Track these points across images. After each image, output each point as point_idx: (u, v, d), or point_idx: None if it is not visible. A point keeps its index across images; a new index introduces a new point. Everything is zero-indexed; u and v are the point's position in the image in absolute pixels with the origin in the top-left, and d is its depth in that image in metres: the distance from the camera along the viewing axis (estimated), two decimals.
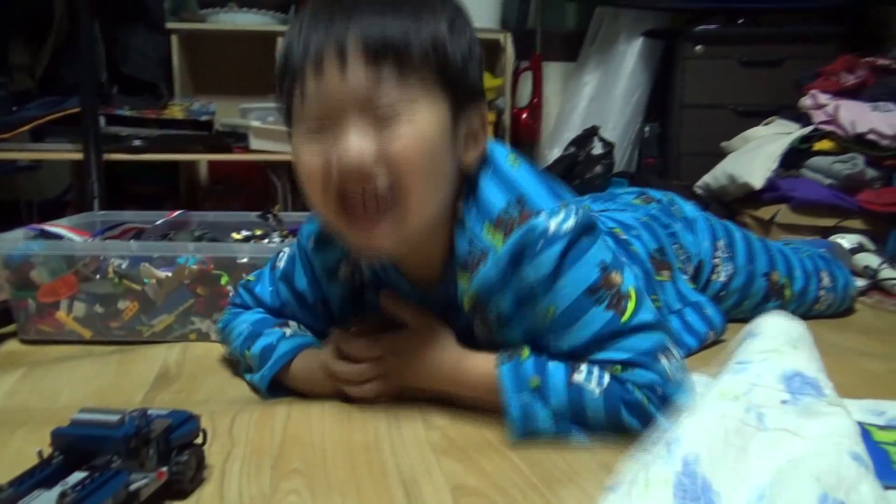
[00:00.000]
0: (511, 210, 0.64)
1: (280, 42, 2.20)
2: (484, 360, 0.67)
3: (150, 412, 0.53)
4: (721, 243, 1.01)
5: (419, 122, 0.60)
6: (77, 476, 0.48)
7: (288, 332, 0.77)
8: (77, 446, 0.50)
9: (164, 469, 0.51)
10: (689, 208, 1.04)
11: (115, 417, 0.50)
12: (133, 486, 0.48)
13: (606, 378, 0.63)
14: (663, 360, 0.63)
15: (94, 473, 0.48)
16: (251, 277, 0.85)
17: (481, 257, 0.65)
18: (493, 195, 0.65)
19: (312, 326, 0.80)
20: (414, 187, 0.61)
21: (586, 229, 0.64)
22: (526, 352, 0.66)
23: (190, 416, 0.55)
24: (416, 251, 0.68)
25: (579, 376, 0.63)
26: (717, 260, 1.00)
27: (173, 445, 0.53)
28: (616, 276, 0.65)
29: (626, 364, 0.63)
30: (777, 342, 0.60)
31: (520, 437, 0.63)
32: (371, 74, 0.58)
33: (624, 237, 0.88)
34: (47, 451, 0.51)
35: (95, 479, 0.47)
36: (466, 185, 0.66)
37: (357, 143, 0.59)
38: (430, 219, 0.65)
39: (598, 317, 0.63)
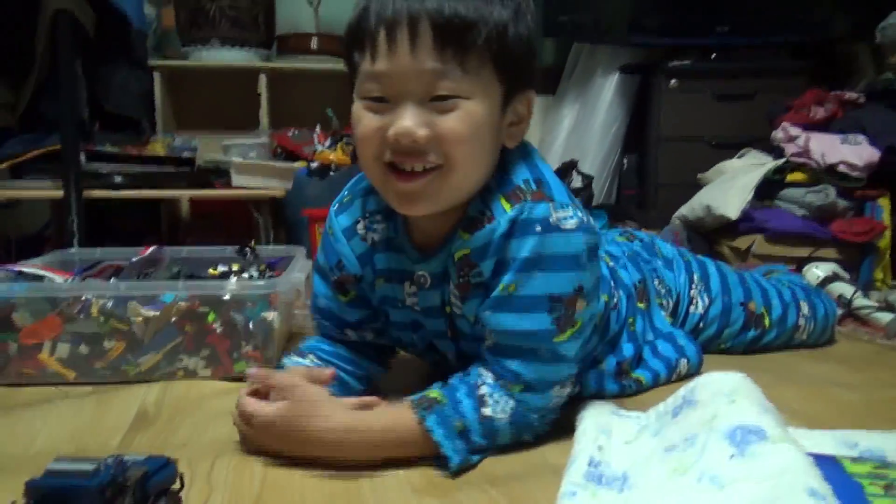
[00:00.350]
0: (528, 186, 0.68)
1: (263, 78, 2.23)
2: (391, 414, 0.67)
3: (125, 459, 0.52)
4: (695, 276, 1.05)
5: (473, 107, 0.64)
6: None
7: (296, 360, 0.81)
8: (51, 498, 0.49)
9: None
10: (668, 248, 1.08)
11: (89, 466, 0.49)
12: None
13: (510, 404, 0.68)
14: (555, 390, 0.70)
15: None
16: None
17: (489, 218, 0.68)
18: (518, 171, 0.70)
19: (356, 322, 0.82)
20: (460, 165, 0.65)
21: (591, 252, 0.69)
22: (436, 393, 0.68)
23: (167, 461, 0.55)
24: (437, 216, 0.71)
25: (488, 410, 0.67)
26: (693, 292, 1.04)
27: (150, 493, 0.52)
28: (581, 303, 0.68)
29: (526, 386, 0.68)
30: (714, 407, 0.64)
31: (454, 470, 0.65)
32: (438, 57, 0.62)
33: (611, 265, 0.91)
34: (21, 502, 0.50)
35: None
36: (502, 163, 0.71)
37: (414, 125, 0.63)
38: (470, 190, 0.69)
39: (541, 320, 0.67)
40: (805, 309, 1.10)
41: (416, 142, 0.63)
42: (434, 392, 0.68)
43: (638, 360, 0.90)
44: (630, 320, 0.90)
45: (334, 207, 0.81)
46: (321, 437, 0.65)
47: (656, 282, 0.99)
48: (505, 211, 0.67)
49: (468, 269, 0.70)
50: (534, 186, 0.68)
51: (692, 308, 1.03)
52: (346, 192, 0.81)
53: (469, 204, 0.71)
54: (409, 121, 0.62)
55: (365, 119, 0.66)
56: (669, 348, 0.93)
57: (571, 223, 0.67)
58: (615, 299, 0.87)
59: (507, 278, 0.67)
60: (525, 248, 0.66)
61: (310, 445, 0.65)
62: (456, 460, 0.65)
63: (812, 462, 0.55)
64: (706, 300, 1.04)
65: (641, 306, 0.93)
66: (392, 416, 0.67)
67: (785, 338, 1.09)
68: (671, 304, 1.01)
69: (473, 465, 0.67)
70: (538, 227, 0.66)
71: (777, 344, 1.09)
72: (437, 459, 0.66)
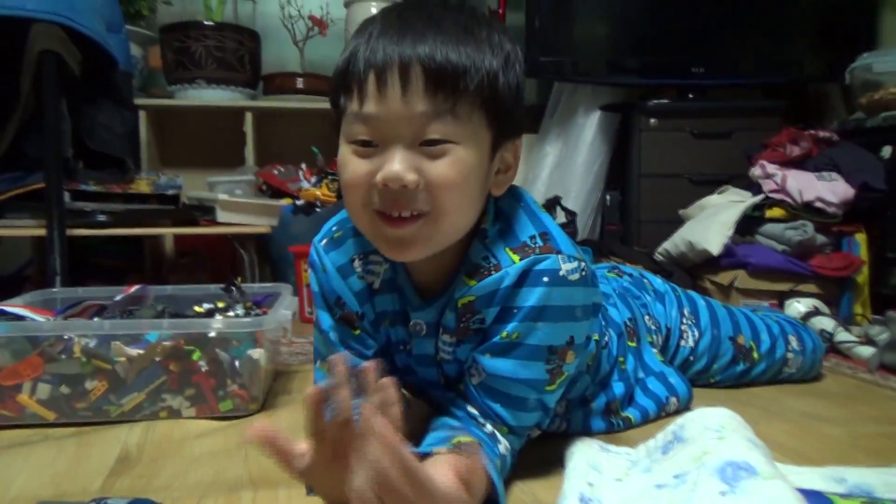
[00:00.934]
0: (536, 241, 0.69)
1: (249, 116, 2.25)
2: (455, 466, 0.57)
3: (108, 502, 0.51)
4: (686, 310, 1.06)
5: (463, 154, 0.63)
6: None
7: None
8: None
9: None
10: (659, 283, 1.09)
11: None
12: None
13: (508, 444, 0.69)
14: (528, 434, 0.73)
15: None
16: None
17: (495, 267, 0.68)
18: (522, 227, 0.70)
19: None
20: (449, 212, 0.65)
21: (588, 308, 0.70)
22: (466, 438, 0.64)
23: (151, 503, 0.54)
24: (434, 258, 0.70)
25: (502, 448, 0.68)
26: (683, 326, 1.05)
27: None
28: (571, 356, 0.70)
29: (511, 430, 0.70)
30: (704, 443, 0.65)
31: None
32: (429, 101, 0.61)
33: (601, 303, 0.91)
34: None
35: None
36: (496, 209, 0.72)
37: (403, 169, 0.61)
38: (458, 235, 0.69)
39: (537, 370, 0.68)
40: (793, 343, 1.11)
41: (405, 187, 0.61)
42: (461, 437, 0.64)
43: (628, 398, 0.90)
44: (620, 359, 0.90)
45: (321, 242, 0.79)
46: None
47: (646, 318, 1.00)
48: (513, 262, 0.68)
49: (470, 315, 0.70)
50: (540, 242, 0.69)
51: (682, 342, 1.04)
52: (334, 227, 0.79)
53: (469, 249, 0.71)
54: (398, 165, 0.61)
55: (352, 164, 0.65)
56: (660, 386, 0.93)
57: (575, 276, 0.68)
58: (606, 338, 0.88)
59: (510, 326, 0.67)
60: (532, 297, 0.66)
61: None
62: (504, 502, 0.63)
63: (802, 498, 0.55)
64: (696, 333, 1.05)
65: (632, 344, 0.93)
66: (456, 468, 0.57)
67: (773, 371, 1.10)
68: (661, 340, 1.01)
69: None
70: (546, 279, 0.66)
71: (765, 378, 1.10)
72: None
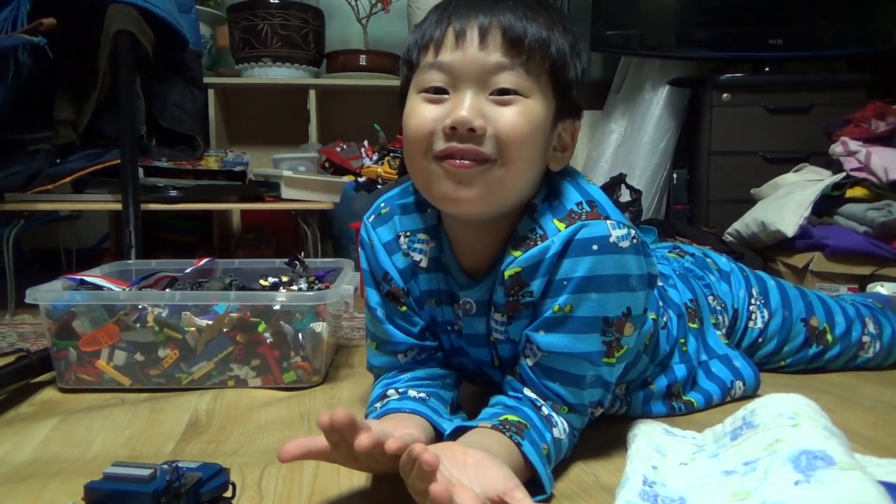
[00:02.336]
0: (583, 207, 0.68)
1: (312, 94, 2.28)
2: (497, 445, 0.61)
3: (180, 465, 0.53)
4: (755, 290, 1.01)
5: (531, 107, 0.65)
6: None
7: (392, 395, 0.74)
8: (109, 501, 0.51)
9: None
10: (724, 261, 1.05)
11: (146, 472, 0.51)
12: None
13: (566, 426, 0.68)
14: (590, 412, 0.71)
15: None
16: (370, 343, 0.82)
17: (541, 237, 0.68)
18: (568, 195, 0.69)
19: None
20: (514, 162, 0.65)
21: (642, 278, 0.68)
22: (514, 417, 0.65)
23: (220, 469, 0.56)
24: (482, 231, 0.71)
25: (556, 431, 0.66)
26: (752, 307, 1.00)
27: (203, 500, 0.53)
28: (629, 328, 0.68)
29: (570, 408, 0.68)
30: (776, 431, 0.62)
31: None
32: (504, 53, 0.64)
33: (660, 283, 0.89)
34: (80, 503, 0.52)
35: None
36: (546, 184, 0.71)
37: (473, 113, 0.63)
38: (516, 197, 0.68)
39: (594, 343, 0.66)
40: (870, 326, 1.06)
41: (473, 130, 0.63)
42: (511, 416, 0.65)
43: (691, 382, 0.87)
44: (682, 340, 0.87)
45: (370, 219, 0.79)
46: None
47: (710, 298, 0.96)
48: (559, 230, 0.66)
49: (518, 288, 0.69)
50: (587, 207, 0.68)
51: (751, 324, 1.00)
52: (382, 203, 0.80)
53: (518, 222, 0.70)
54: (469, 108, 0.63)
55: (420, 110, 0.66)
56: (724, 370, 0.90)
57: (626, 243, 0.66)
58: (664, 318, 0.85)
59: (562, 299, 0.65)
60: (581, 267, 0.64)
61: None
62: (549, 487, 0.62)
63: (885, 492, 0.52)
64: (766, 315, 1.00)
65: (694, 326, 0.90)
66: (492, 441, 0.61)
67: (848, 356, 1.04)
68: (727, 321, 0.97)
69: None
70: (595, 247, 0.64)
71: (839, 363, 1.05)
72: None
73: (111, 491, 0.51)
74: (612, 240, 0.65)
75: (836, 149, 1.72)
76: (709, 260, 1.03)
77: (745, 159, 2.10)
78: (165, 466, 0.52)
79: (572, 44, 0.68)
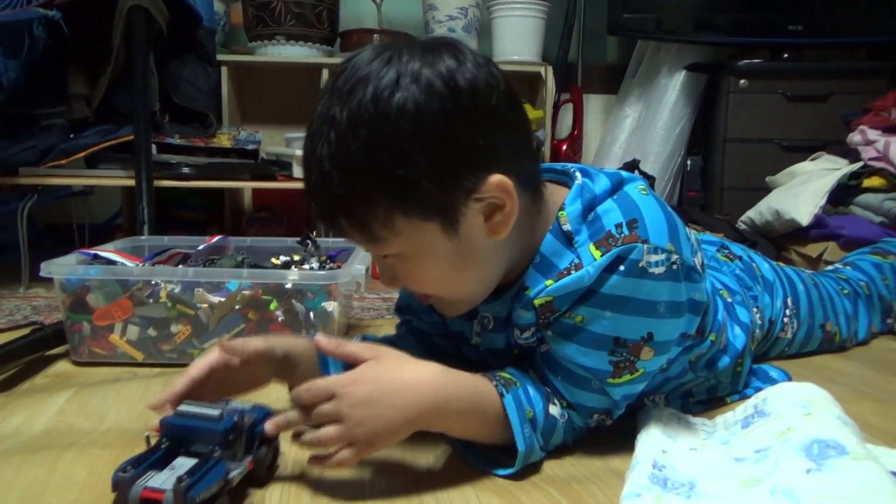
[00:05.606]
0: (622, 230, 0.62)
1: (325, 73, 2.27)
2: (475, 378, 0.64)
3: (241, 408, 0.59)
4: (789, 301, 1.00)
5: (416, 259, 0.62)
6: (181, 461, 0.54)
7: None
8: (181, 435, 0.56)
9: (251, 458, 0.57)
10: (767, 269, 1.00)
11: (215, 412, 0.56)
12: (230, 475, 0.54)
13: (566, 415, 0.67)
14: (596, 417, 0.68)
15: (199, 461, 0.54)
16: None
17: (576, 266, 0.63)
18: (611, 213, 0.64)
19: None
20: (447, 293, 0.66)
21: (694, 305, 0.67)
22: (508, 375, 0.66)
23: (269, 412, 0.60)
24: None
25: (553, 408, 0.66)
26: (786, 319, 0.99)
27: (255, 438, 0.58)
28: (647, 352, 0.65)
29: (570, 405, 0.67)
30: (789, 419, 0.62)
31: (517, 469, 0.62)
32: (360, 238, 0.61)
33: (729, 300, 0.87)
34: (154, 436, 0.57)
35: (202, 467, 0.53)
36: (581, 196, 0.65)
37: (385, 281, 0.66)
38: (489, 285, 0.67)
39: (599, 360, 0.64)
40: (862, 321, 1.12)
41: (395, 288, 0.68)
42: (506, 374, 0.66)
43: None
44: (739, 360, 0.83)
45: None
46: (419, 383, 0.59)
47: (755, 310, 0.93)
48: (594, 259, 0.62)
49: (550, 314, 0.65)
50: (626, 231, 0.62)
51: (782, 334, 1.00)
52: None
53: (542, 244, 0.66)
54: (380, 274, 0.66)
55: None
56: (761, 384, 0.87)
57: (660, 269, 0.62)
58: (725, 337, 0.80)
59: (579, 309, 0.63)
60: (606, 284, 0.62)
61: (405, 394, 0.58)
62: (522, 446, 0.62)
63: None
64: (795, 325, 1.01)
65: (751, 347, 0.87)
66: (475, 382, 0.63)
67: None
68: (761, 334, 0.96)
69: (533, 466, 0.65)
70: (622, 267, 0.61)
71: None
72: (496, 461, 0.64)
73: (185, 426, 0.56)
74: (641, 264, 0.61)
75: (854, 137, 1.69)
76: (754, 265, 0.99)
77: (761, 147, 2.08)
78: (230, 408, 0.57)
79: (398, 152, 0.56)
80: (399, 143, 0.56)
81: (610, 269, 0.62)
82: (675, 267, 0.63)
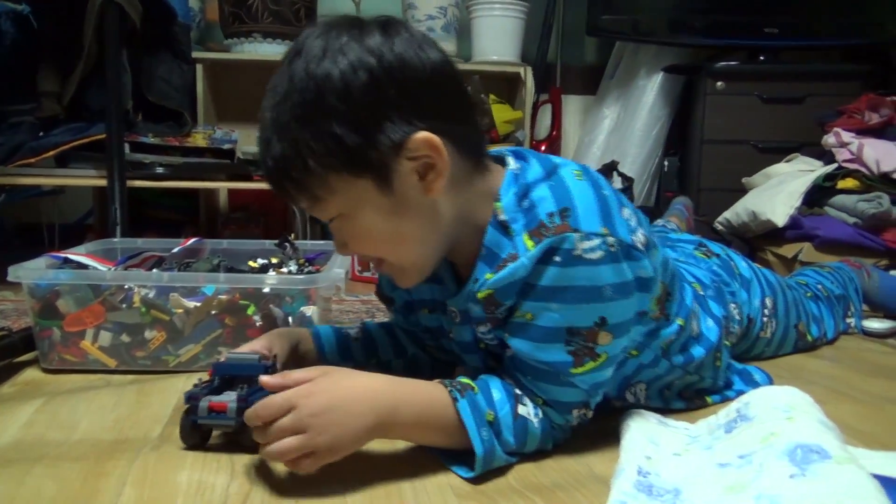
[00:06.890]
0: (552, 220, 0.63)
1: None
2: (427, 386, 0.65)
3: (262, 355, 0.71)
4: (768, 300, 1.01)
5: (358, 218, 0.65)
6: (230, 394, 0.67)
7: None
8: (231, 374, 0.69)
9: None
10: (744, 267, 1.01)
11: (256, 357, 0.70)
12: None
13: (540, 411, 0.67)
14: (575, 412, 0.69)
15: (248, 387, 0.67)
16: None
17: (512, 257, 0.64)
18: (545, 201, 0.65)
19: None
20: (391, 254, 0.68)
21: (642, 282, 0.66)
22: (468, 381, 0.67)
23: (274, 363, 0.73)
24: (455, 247, 0.70)
25: (522, 409, 0.66)
26: (765, 318, 1.00)
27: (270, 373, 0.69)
28: (605, 337, 0.65)
29: (546, 402, 0.67)
30: (771, 424, 0.62)
31: (479, 473, 0.62)
32: (298, 200, 0.65)
33: (701, 293, 0.87)
34: (205, 378, 0.71)
35: (253, 391, 0.66)
36: (520, 185, 0.67)
37: (336, 246, 0.71)
38: (435, 253, 0.69)
39: (557, 353, 0.65)
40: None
41: (343, 252, 0.71)
42: (465, 379, 0.67)
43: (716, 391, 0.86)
44: (717, 354, 0.83)
45: None
46: (374, 390, 0.62)
47: (733, 306, 0.93)
48: (528, 249, 0.63)
49: (494, 307, 0.67)
50: (558, 220, 0.63)
51: (762, 334, 1.00)
52: None
53: (484, 234, 0.67)
54: (335, 242, 0.70)
55: None
56: (743, 386, 0.87)
57: (597, 254, 0.62)
58: (696, 326, 0.80)
59: (525, 305, 0.65)
60: (545, 278, 0.63)
61: (362, 402, 0.60)
62: (480, 450, 0.62)
63: (879, 485, 0.52)
64: (774, 325, 1.02)
65: (727, 342, 0.87)
66: (428, 389, 0.65)
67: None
68: (741, 330, 0.96)
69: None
70: (557, 258, 0.62)
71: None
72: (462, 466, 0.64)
73: (235, 367, 0.69)
74: (576, 253, 0.62)
75: (829, 140, 1.72)
76: (732, 263, 1.00)
77: (737, 148, 2.10)
78: (263, 357, 0.71)
79: (313, 103, 0.60)
80: (325, 102, 0.60)
81: (545, 260, 0.63)
82: (612, 249, 0.63)
